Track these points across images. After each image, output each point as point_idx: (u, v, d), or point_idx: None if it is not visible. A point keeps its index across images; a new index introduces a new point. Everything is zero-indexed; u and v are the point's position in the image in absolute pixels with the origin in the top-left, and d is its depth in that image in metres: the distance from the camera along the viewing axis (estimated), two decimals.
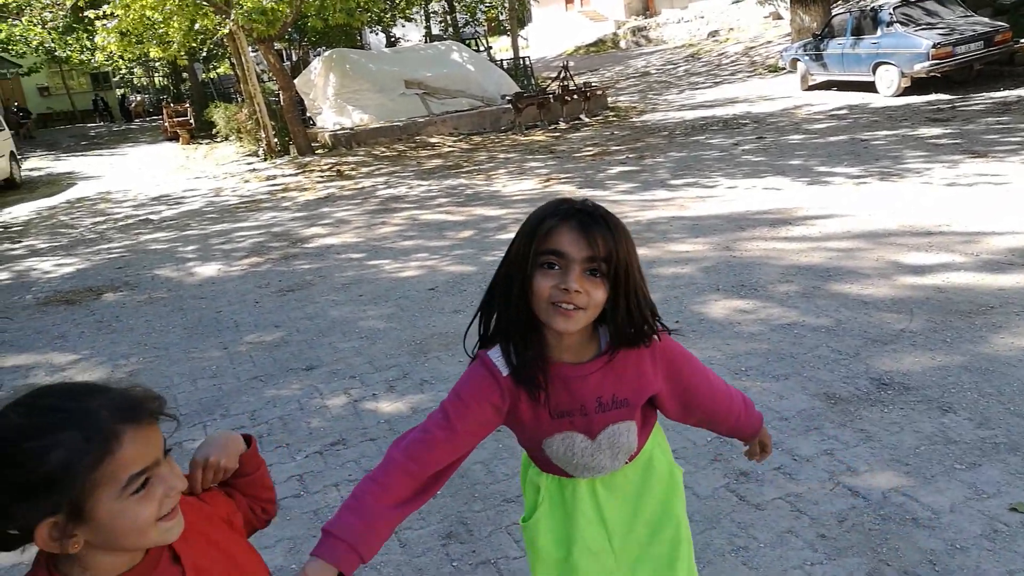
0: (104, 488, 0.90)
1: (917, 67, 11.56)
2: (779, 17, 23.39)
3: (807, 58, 14.30)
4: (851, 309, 4.31)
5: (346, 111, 16.42)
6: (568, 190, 8.74)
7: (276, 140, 15.48)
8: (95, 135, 28.92)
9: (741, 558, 2.47)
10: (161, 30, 15.78)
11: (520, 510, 2.81)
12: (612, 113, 15.63)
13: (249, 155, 16.51)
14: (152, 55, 18.71)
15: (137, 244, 8.60)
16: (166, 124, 23.35)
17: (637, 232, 6.44)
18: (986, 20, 12.30)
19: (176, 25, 15.15)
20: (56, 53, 30.14)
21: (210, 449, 1.23)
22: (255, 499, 1.29)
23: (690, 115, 13.86)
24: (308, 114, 17.54)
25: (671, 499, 1.67)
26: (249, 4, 13.81)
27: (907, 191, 6.70)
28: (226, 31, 14.79)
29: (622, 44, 30.16)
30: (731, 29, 25.17)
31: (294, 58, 30.11)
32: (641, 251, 5.90)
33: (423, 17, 31.82)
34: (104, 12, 14.92)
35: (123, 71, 37.75)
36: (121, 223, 10.19)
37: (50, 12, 28.05)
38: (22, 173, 17.00)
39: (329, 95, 16.70)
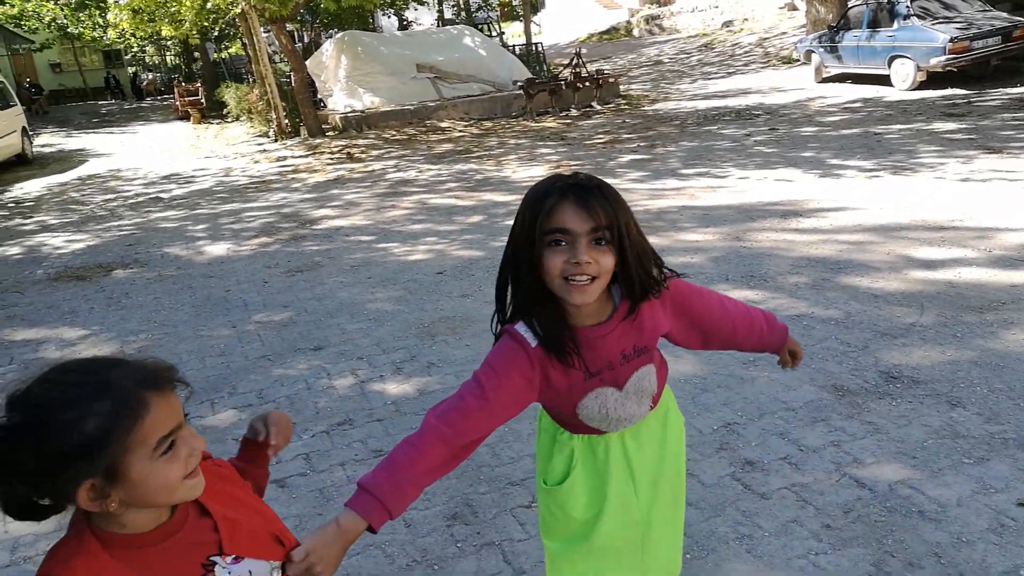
0: (135, 451, 0.97)
1: (933, 61, 11.46)
2: (794, 8, 23.20)
3: (822, 50, 14.18)
4: (861, 302, 4.30)
5: (357, 94, 16.38)
6: None
7: (287, 121, 15.46)
8: (106, 112, 28.95)
9: (745, 546, 2.47)
10: (173, 8, 15.76)
11: (525, 493, 2.82)
12: (624, 101, 15.55)
13: (260, 136, 16.50)
14: (164, 33, 18.67)
15: (147, 222, 8.62)
16: (177, 103, 23.35)
17: (647, 221, 6.42)
18: (1004, 15, 12.18)
19: (188, 3, 15.11)
20: (68, 29, 30.15)
21: (277, 431, 1.34)
22: (254, 482, 1.35)
23: (702, 105, 13.78)
24: (319, 96, 17.50)
25: (681, 445, 1.83)
26: None
27: (920, 186, 6.66)
28: (238, 11, 14.76)
29: (635, 32, 29.98)
30: (745, 19, 24.98)
31: (306, 40, 30.02)
32: (651, 240, 5.89)
33: (436, 1, 31.66)
34: None
35: (135, 49, 37.70)
36: (131, 201, 10.22)
37: None
38: (34, 149, 17.03)
39: (340, 77, 16.66)
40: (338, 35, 18.24)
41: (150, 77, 39.06)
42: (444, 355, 4.13)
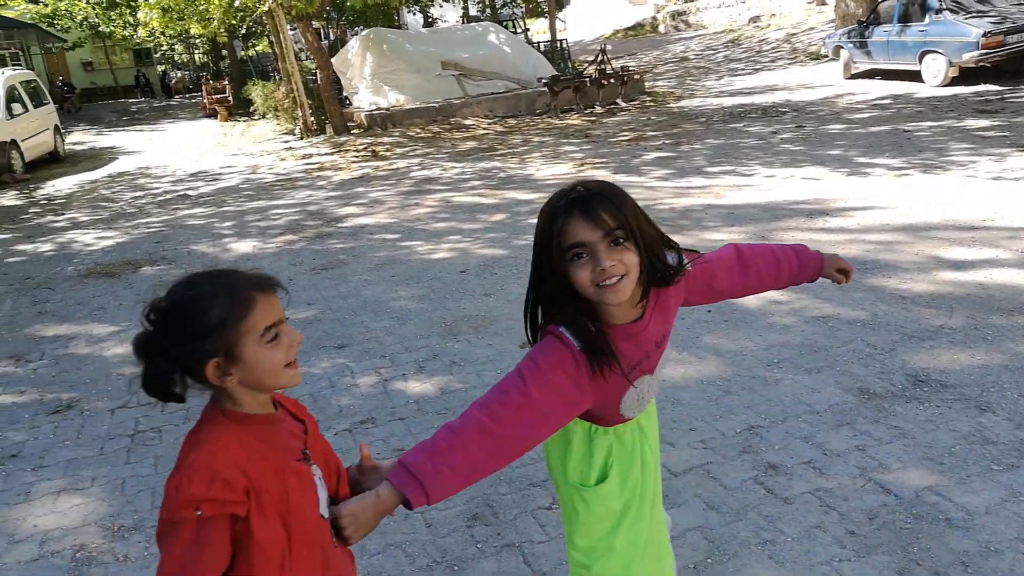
0: (248, 336, 1.22)
1: (966, 56, 11.24)
2: (823, 3, 22.90)
3: (851, 46, 13.98)
4: (888, 303, 4.24)
5: (382, 91, 16.44)
6: (603, 175, 8.68)
7: (312, 119, 15.57)
8: (136, 110, 29.36)
9: (767, 552, 2.45)
10: (202, 7, 15.93)
11: (546, 495, 2.82)
12: (649, 98, 15.46)
13: (286, 133, 16.64)
14: (193, 32, 18.89)
15: (175, 219, 8.73)
16: (205, 101, 23.60)
17: (672, 219, 6.38)
18: None
19: (216, 2, 15.27)
20: (100, 28, 30.60)
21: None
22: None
23: (728, 102, 13.66)
24: (344, 93, 17.60)
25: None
26: None
27: (951, 184, 6.55)
28: (265, 8, 14.89)
29: (661, 28, 29.77)
30: (773, 15, 24.70)
31: (332, 37, 30.21)
32: (676, 239, 5.86)
33: None
34: None
35: (164, 48, 38.20)
36: (160, 198, 10.35)
37: None
38: (66, 147, 17.32)
39: (366, 75, 16.74)
40: (363, 33, 18.34)
41: (179, 75, 39.55)
42: (466, 354, 4.14)
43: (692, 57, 22.63)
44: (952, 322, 3.92)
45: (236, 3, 15.61)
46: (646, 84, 16.65)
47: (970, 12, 11.75)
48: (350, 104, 17.21)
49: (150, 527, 2.85)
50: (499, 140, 12.41)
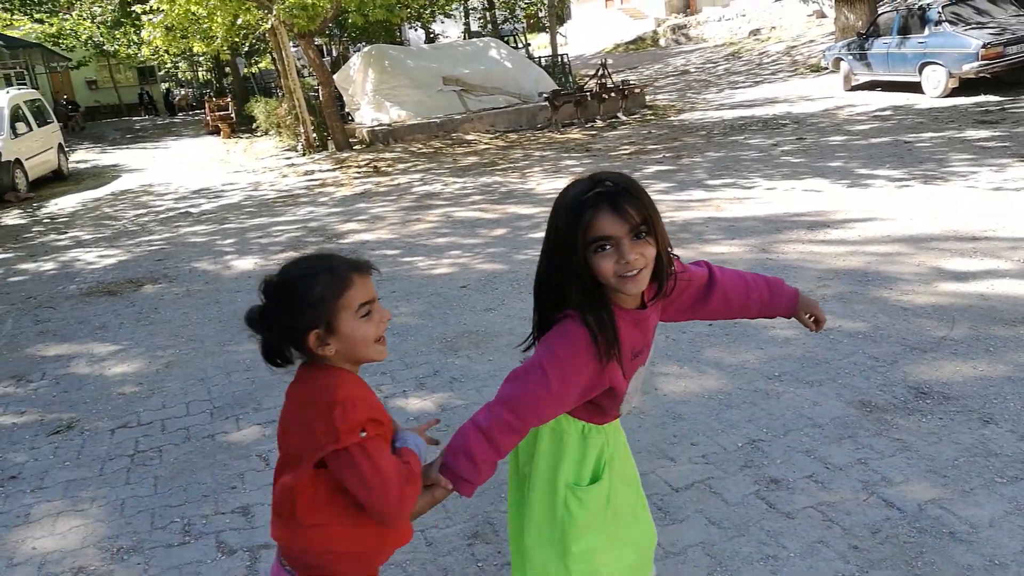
0: (345, 311, 1.38)
1: (966, 67, 11.27)
2: (823, 16, 23.00)
3: (851, 58, 14.03)
4: (889, 315, 4.22)
5: (384, 107, 16.52)
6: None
7: (315, 135, 15.64)
8: (140, 128, 29.52)
9: (770, 567, 2.43)
10: (205, 25, 16.06)
11: None
12: (650, 112, 15.50)
13: (288, 150, 16.70)
14: (196, 49, 19.04)
15: (177, 237, 8.76)
16: (208, 118, 23.73)
17: (673, 232, 6.33)
18: None
19: (219, 20, 15.39)
20: (104, 47, 30.86)
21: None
22: None
23: (729, 114, 13.69)
24: (346, 109, 17.69)
25: None
26: None
27: (951, 195, 6.54)
28: (268, 26, 14.99)
29: (662, 42, 29.91)
30: (773, 28, 24.81)
31: (334, 54, 30.40)
32: (675, 251, 5.84)
33: (462, 13, 31.89)
34: (150, 7, 15.24)
35: (168, 65, 38.46)
36: (162, 216, 10.39)
37: (99, 6, 28.78)
38: (69, 165, 17.41)
39: (368, 91, 16.83)
40: (365, 49, 18.43)
41: (182, 93, 39.79)
42: (467, 370, 4.13)
43: (693, 70, 22.72)
44: (954, 333, 3.91)
45: (239, 21, 15.74)
46: (647, 98, 16.71)
47: (969, 24, 11.79)
48: (352, 120, 17.29)
49: (149, 548, 2.84)
50: (500, 155, 12.44)
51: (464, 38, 29.21)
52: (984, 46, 11.05)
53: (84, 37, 30.26)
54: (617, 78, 16.55)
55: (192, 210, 10.57)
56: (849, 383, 3.53)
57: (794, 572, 2.40)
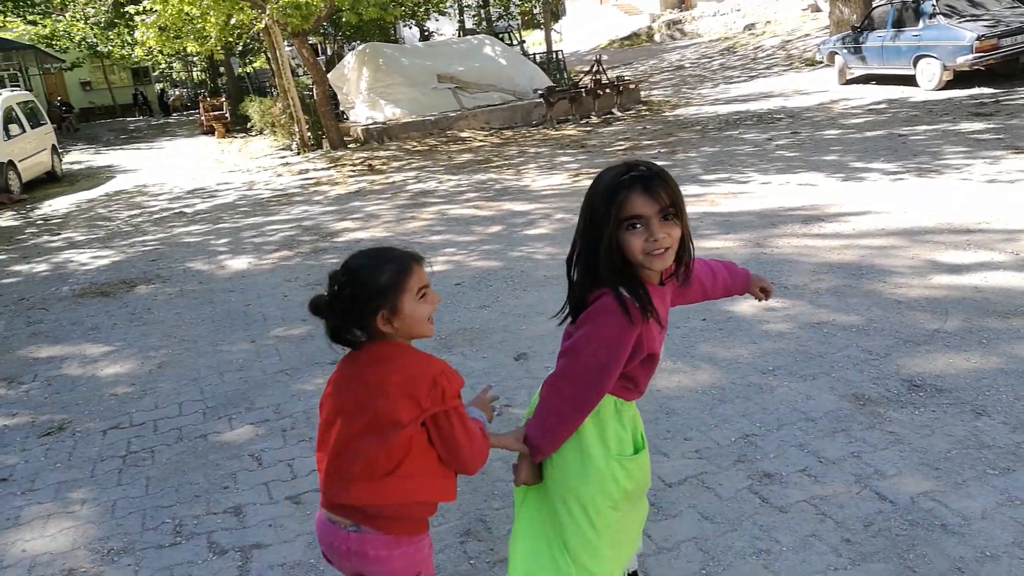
0: (406, 294, 1.58)
1: (960, 60, 11.26)
2: (817, 10, 22.98)
3: (845, 51, 14.02)
4: (883, 308, 4.22)
5: (378, 105, 16.49)
6: None
7: (309, 134, 15.61)
8: (134, 129, 29.45)
9: (763, 561, 2.42)
10: (198, 25, 16.02)
11: None
12: (645, 107, 15.49)
13: (283, 149, 16.67)
14: (190, 50, 19.00)
15: (171, 237, 8.73)
16: (202, 118, 23.68)
17: None
18: None
19: (213, 20, 15.36)
20: (98, 48, 30.80)
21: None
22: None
23: (724, 109, 13.68)
24: (341, 108, 17.66)
25: None
26: None
27: (946, 187, 6.54)
28: (261, 25, 14.96)
29: (656, 38, 29.87)
30: (768, 22, 24.78)
31: (329, 52, 30.35)
32: None
33: (456, 11, 31.85)
34: (143, 7, 15.20)
35: (162, 66, 38.40)
36: (156, 216, 10.36)
37: (92, 8, 28.72)
38: (63, 166, 17.36)
39: (362, 89, 16.79)
40: (359, 47, 18.40)
41: (177, 93, 39.71)
42: (461, 367, 4.11)
43: (688, 66, 22.69)
44: (947, 326, 3.90)
45: (232, 21, 15.70)
46: (642, 93, 16.69)
47: (963, 16, 11.79)
48: (347, 118, 17.26)
49: (140, 550, 2.82)
50: (495, 152, 12.42)
51: (459, 35, 29.17)
52: (978, 38, 11.04)
53: (78, 38, 30.21)
54: (612, 74, 16.53)
55: (186, 210, 10.54)
56: (842, 376, 3.53)
57: (787, 566, 2.39)
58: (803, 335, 4.00)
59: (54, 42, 30.43)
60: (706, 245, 5.75)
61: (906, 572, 2.30)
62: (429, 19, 31.78)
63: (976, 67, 11.23)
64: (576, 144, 12.13)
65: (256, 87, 27.04)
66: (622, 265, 1.64)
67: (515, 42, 26.58)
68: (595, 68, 15.45)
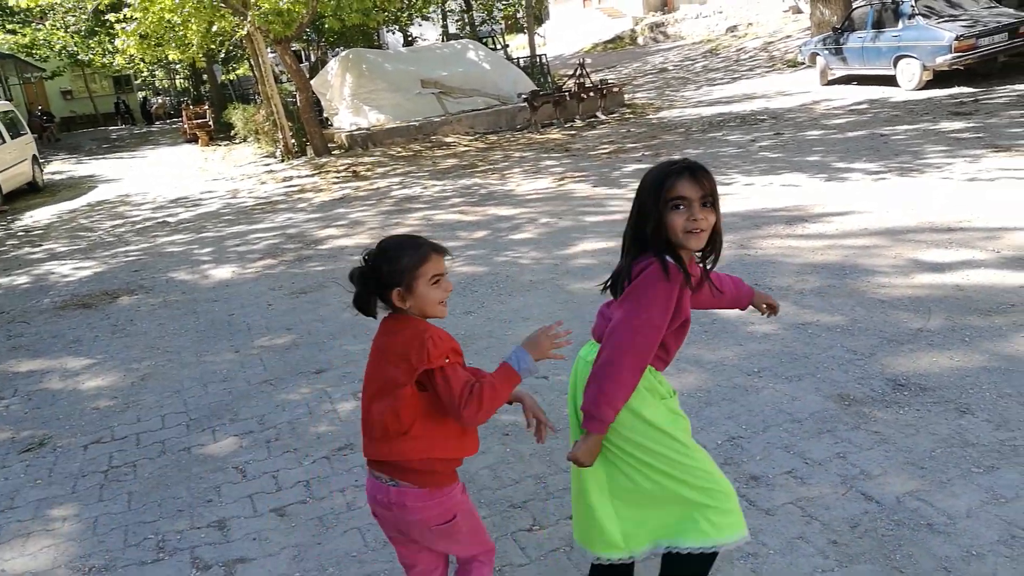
0: (421, 278, 1.80)
1: (939, 60, 11.36)
2: (799, 11, 23.14)
3: (827, 52, 14.11)
4: (867, 308, 4.23)
5: (362, 111, 16.45)
6: (583, 188, 8.69)
7: (293, 141, 15.55)
8: (116, 138, 29.24)
9: (750, 565, 2.42)
10: (180, 32, 15.92)
11: (527, 517, 2.78)
12: (629, 110, 15.53)
13: (267, 156, 16.60)
14: (171, 57, 18.86)
15: (154, 247, 8.66)
16: (185, 126, 23.54)
17: None
18: (1011, 11, 12.07)
19: (194, 27, 15.26)
20: (79, 57, 30.52)
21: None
22: None
23: (707, 111, 13.73)
24: (325, 114, 17.60)
25: None
26: (266, 5, 13.88)
27: (927, 186, 6.58)
28: (243, 32, 14.88)
29: (640, 40, 29.98)
30: (750, 24, 24.93)
31: (313, 58, 30.26)
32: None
33: (440, 16, 31.84)
34: (124, 15, 15.09)
35: (145, 74, 38.13)
36: (139, 226, 10.28)
37: (73, 16, 28.49)
38: (44, 176, 17.21)
39: (346, 95, 16.75)
40: (342, 53, 18.35)
41: (159, 101, 39.45)
42: None
43: (671, 68, 22.78)
44: (930, 324, 3.92)
45: (214, 28, 15.62)
46: (625, 96, 16.73)
47: (942, 16, 11.89)
48: (331, 125, 17.21)
49: (122, 567, 2.78)
50: (480, 157, 12.42)
51: (442, 40, 29.17)
52: (957, 38, 11.14)
53: (58, 47, 29.92)
54: (596, 77, 16.59)
55: (169, 219, 10.47)
56: (828, 377, 3.54)
57: (774, 569, 2.39)
58: (788, 336, 4.01)
59: (34, 51, 30.14)
60: None
61: (893, 573, 2.30)
62: (412, 24, 31.75)
63: (955, 67, 11.33)
64: (560, 148, 12.14)
65: (239, 94, 26.94)
66: (665, 244, 1.85)
67: (499, 47, 26.60)
68: (579, 72, 15.48)
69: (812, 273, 4.88)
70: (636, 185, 7.04)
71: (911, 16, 11.96)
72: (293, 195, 11.16)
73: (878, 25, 12.63)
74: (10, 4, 17.91)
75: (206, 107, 24.41)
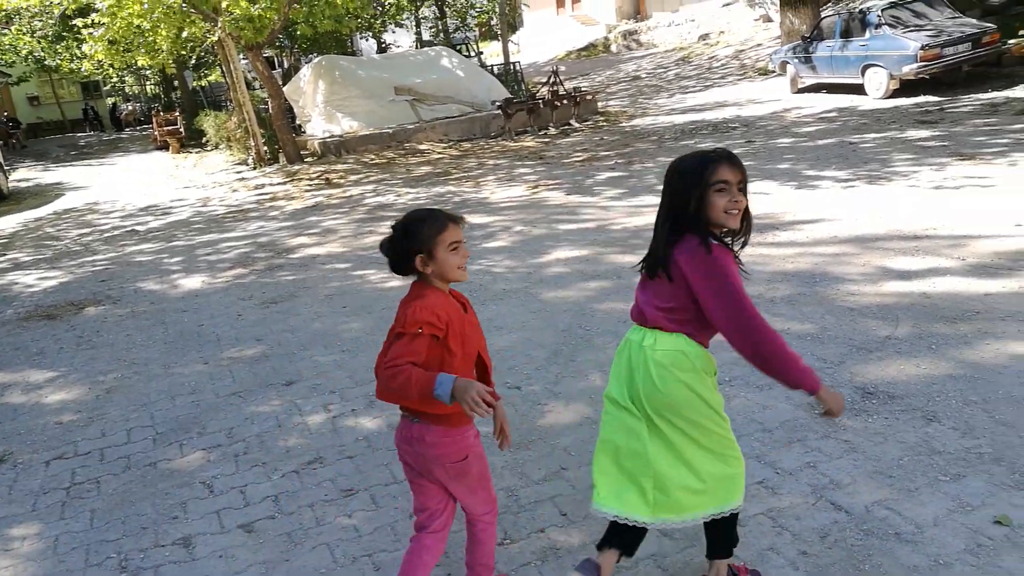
0: (440, 245, 2.01)
1: (905, 69, 11.55)
2: (769, 20, 23.42)
3: (796, 61, 14.29)
4: (836, 316, 4.27)
5: (335, 118, 16.36)
6: (556, 196, 8.70)
7: (265, 148, 15.41)
8: (85, 144, 28.77)
9: None
10: (149, 38, 15.72)
11: (498, 531, 2.76)
12: (602, 118, 15.60)
13: (239, 163, 16.43)
14: (140, 63, 18.62)
15: (122, 256, 8.52)
16: (155, 133, 23.23)
17: (624, 239, 6.39)
18: (974, 21, 12.29)
19: (164, 33, 15.09)
20: (46, 62, 30.04)
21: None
22: None
23: (680, 119, 13.83)
24: (297, 122, 17.48)
25: None
26: (237, 11, 13.76)
27: (895, 194, 6.68)
28: (214, 38, 14.74)
29: (613, 48, 30.16)
30: (721, 32, 25.18)
31: (286, 65, 30.04)
32: (626, 258, 5.81)
33: (413, 23, 31.80)
34: (92, 20, 14.87)
35: (114, 79, 37.59)
36: (107, 235, 10.11)
37: (40, 20, 28.04)
38: (10, 184, 16.89)
39: (319, 102, 16.65)
40: (315, 60, 18.24)
41: (129, 107, 38.89)
42: None
43: (644, 76, 22.94)
44: (898, 332, 3.96)
45: (184, 34, 15.45)
46: (599, 104, 16.81)
47: (908, 26, 12.09)
48: (303, 132, 17.09)
49: None
50: (454, 164, 12.40)
51: (416, 47, 29.12)
52: (922, 48, 11.33)
53: (24, 52, 29.43)
54: (569, 85, 16.65)
55: (139, 228, 10.31)
56: None
57: None
58: None
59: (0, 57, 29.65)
60: None
61: None
62: (386, 31, 31.66)
63: (921, 76, 11.53)
64: (534, 155, 12.16)
65: (211, 101, 26.65)
66: (705, 225, 2.04)
67: (473, 54, 26.63)
68: (552, 79, 15.53)
69: (783, 281, 4.92)
70: (610, 193, 7.11)
71: (877, 26, 12.16)
72: (265, 203, 11.06)
73: (846, 34, 12.82)
74: None
75: (177, 114, 24.10)
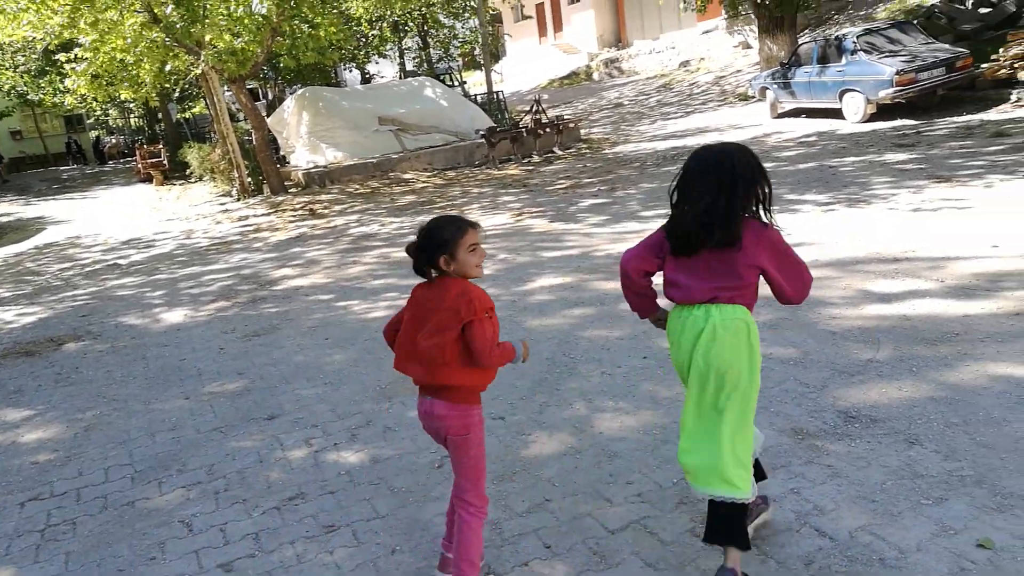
0: (461, 247, 2.33)
1: (882, 93, 11.74)
2: (748, 47, 23.77)
3: (776, 86, 14.49)
4: (818, 340, 4.29)
5: (320, 149, 16.40)
6: (540, 224, 8.73)
7: (250, 180, 15.41)
8: (68, 178, 28.69)
9: None
10: (132, 72, 15.74)
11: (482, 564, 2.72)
12: (585, 145, 15.72)
13: (223, 195, 16.42)
14: (124, 96, 18.63)
15: (103, 290, 8.46)
16: (139, 165, 23.20)
17: (607, 265, 6.41)
18: (947, 47, 12.52)
19: (147, 67, 15.11)
20: (28, 96, 30.03)
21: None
22: None
23: (661, 145, 13.96)
24: (281, 153, 17.51)
25: None
26: (220, 44, 13.83)
27: (874, 217, 6.74)
28: (198, 71, 14.79)
29: (595, 76, 30.49)
30: (702, 59, 25.53)
31: (270, 96, 30.17)
32: (610, 285, 5.80)
33: (397, 53, 32.06)
34: (75, 55, 14.89)
35: (97, 112, 37.62)
36: (88, 269, 10.04)
37: (23, 56, 28.07)
38: None
39: (303, 133, 16.70)
40: (299, 91, 18.32)
41: (113, 140, 38.88)
42: (400, 418, 4.03)
43: (626, 103, 23.17)
44: (879, 356, 3.98)
45: (168, 67, 15.49)
46: (581, 132, 16.95)
47: (883, 52, 12.30)
48: (287, 163, 17.11)
49: None
50: (438, 193, 12.43)
51: (399, 78, 29.31)
52: (898, 73, 11.53)
53: (7, 87, 29.43)
54: (552, 113, 16.78)
55: (121, 261, 10.25)
56: (781, 411, 3.56)
57: None
58: None
59: None
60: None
61: None
62: (369, 62, 31.89)
63: (897, 100, 11.71)
64: (518, 183, 12.22)
65: (195, 133, 26.68)
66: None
67: (456, 83, 26.83)
68: (535, 108, 15.66)
69: (765, 306, 4.91)
70: (593, 220, 7.13)
71: (853, 52, 12.36)
72: (249, 234, 11.03)
73: (823, 60, 13.02)
74: None
75: (161, 146, 24.12)
